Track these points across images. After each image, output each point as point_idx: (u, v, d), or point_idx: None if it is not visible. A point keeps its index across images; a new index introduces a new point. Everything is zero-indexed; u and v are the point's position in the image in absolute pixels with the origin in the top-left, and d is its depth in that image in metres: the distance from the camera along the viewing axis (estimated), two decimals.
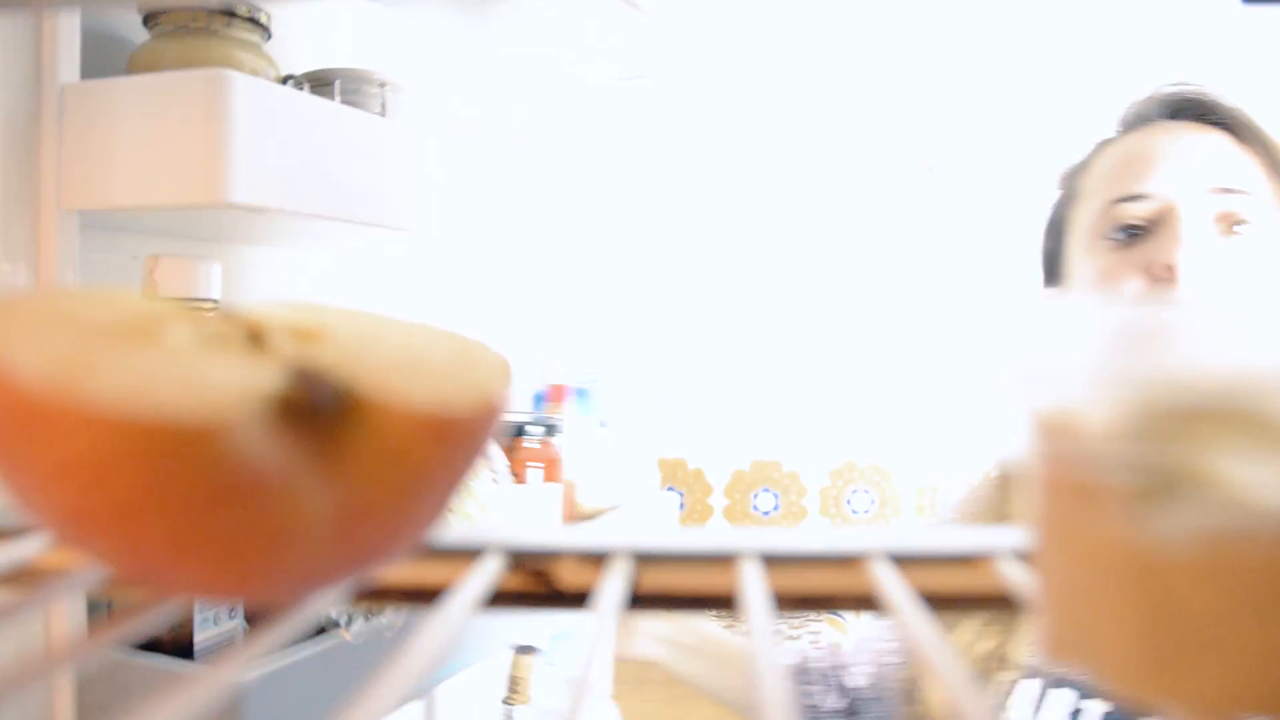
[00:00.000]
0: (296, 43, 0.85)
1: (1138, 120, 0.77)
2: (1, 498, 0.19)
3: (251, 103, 0.61)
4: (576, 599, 0.25)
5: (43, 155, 0.66)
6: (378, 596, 0.26)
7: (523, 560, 0.26)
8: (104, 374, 0.18)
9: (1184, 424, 0.15)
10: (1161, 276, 0.68)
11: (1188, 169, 0.71)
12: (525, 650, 1.12)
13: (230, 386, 0.18)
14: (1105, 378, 0.16)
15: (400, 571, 0.26)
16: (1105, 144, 0.78)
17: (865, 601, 0.25)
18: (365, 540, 0.20)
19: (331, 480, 0.19)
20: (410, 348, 0.23)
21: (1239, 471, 0.15)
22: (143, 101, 0.62)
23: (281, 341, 0.21)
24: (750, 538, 0.26)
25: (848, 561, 0.25)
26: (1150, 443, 0.16)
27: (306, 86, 0.80)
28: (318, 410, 0.19)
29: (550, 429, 1.07)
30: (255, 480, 0.18)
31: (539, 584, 0.26)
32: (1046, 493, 0.19)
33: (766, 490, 2.03)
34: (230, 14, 0.70)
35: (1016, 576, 0.24)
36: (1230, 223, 0.70)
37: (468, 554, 0.26)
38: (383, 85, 0.85)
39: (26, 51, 0.65)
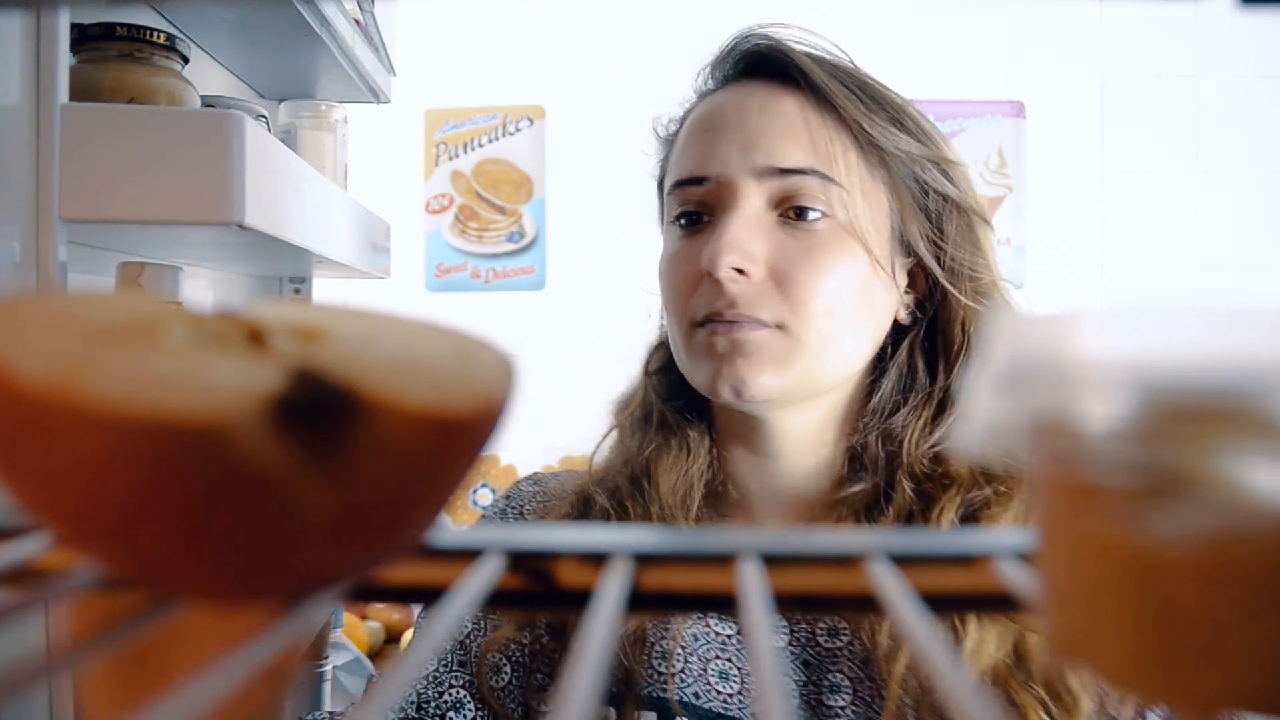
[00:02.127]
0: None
1: (715, 79, 0.70)
2: (1, 498, 0.19)
3: (252, 140, 0.71)
4: (576, 599, 0.25)
5: (40, 166, 0.67)
6: (377, 596, 0.26)
7: (523, 560, 0.26)
8: (104, 374, 0.18)
9: (1184, 424, 0.15)
10: (709, 276, 0.61)
11: (741, 147, 0.63)
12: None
13: (230, 386, 0.18)
14: (1104, 378, 0.16)
15: (400, 571, 0.26)
16: (691, 108, 0.70)
17: (865, 602, 0.25)
18: (365, 540, 0.20)
19: (331, 480, 0.19)
20: (410, 347, 0.23)
21: (1239, 471, 0.15)
22: (146, 129, 0.70)
23: (281, 341, 0.21)
24: (750, 538, 0.26)
25: (848, 561, 0.25)
26: (1150, 443, 0.16)
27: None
28: (318, 410, 0.19)
29: None
30: (255, 480, 0.18)
31: (539, 584, 0.26)
32: (1048, 494, 0.19)
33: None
34: (158, 44, 0.75)
35: (1016, 576, 0.24)
36: (788, 207, 0.62)
37: (468, 554, 0.26)
38: (261, 116, 0.96)
39: (28, 67, 0.67)
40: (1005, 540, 0.26)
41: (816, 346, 0.62)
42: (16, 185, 0.66)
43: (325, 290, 1.51)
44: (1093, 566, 0.17)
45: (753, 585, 0.23)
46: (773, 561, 0.25)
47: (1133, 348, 0.17)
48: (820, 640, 0.66)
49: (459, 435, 0.21)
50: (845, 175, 0.63)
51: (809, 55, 0.66)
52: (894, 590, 0.23)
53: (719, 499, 0.71)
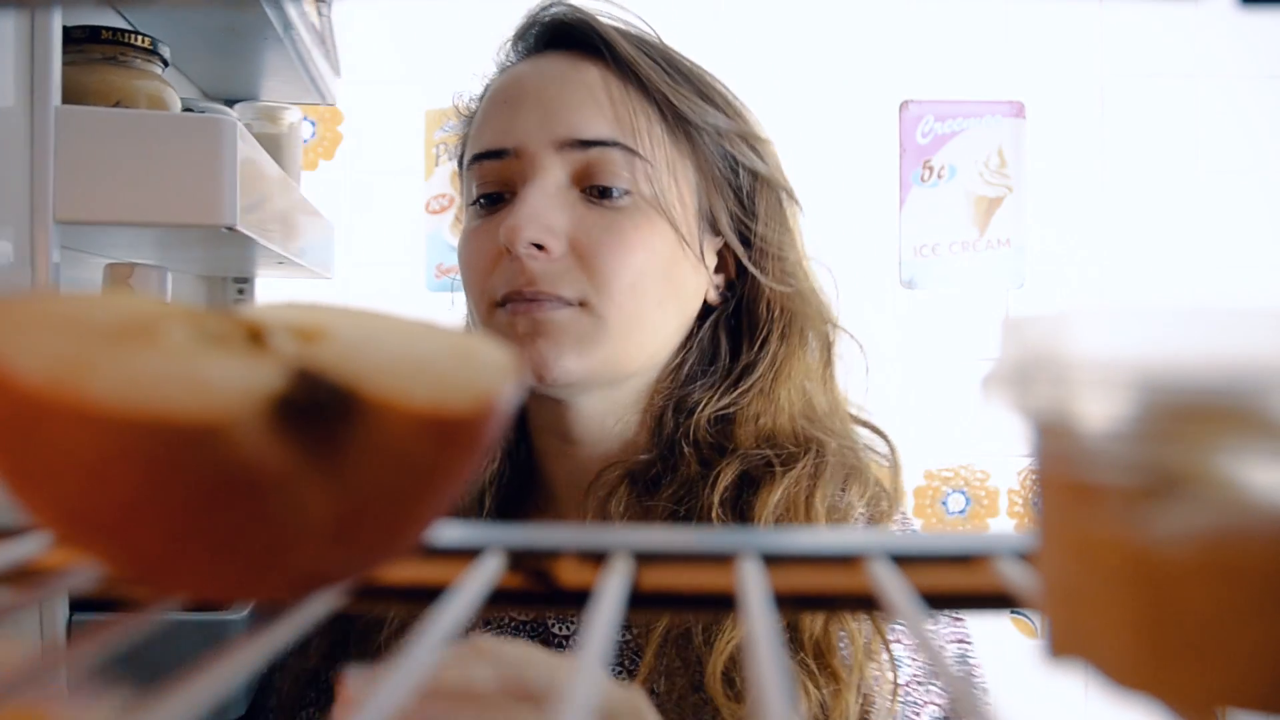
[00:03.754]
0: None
1: (517, 51, 0.67)
2: (2, 498, 0.19)
3: (245, 144, 0.72)
4: (576, 598, 0.25)
5: (35, 168, 0.68)
6: (378, 596, 0.26)
7: (523, 560, 0.26)
8: (104, 374, 0.18)
9: (1184, 424, 0.15)
10: (507, 253, 0.59)
11: (541, 118, 0.60)
12: None
13: (230, 386, 0.18)
14: (1104, 378, 0.16)
15: (400, 571, 0.26)
16: (492, 83, 0.67)
17: (865, 601, 0.25)
18: (365, 540, 0.20)
19: (331, 480, 0.19)
20: (410, 347, 0.23)
21: (1239, 471, 0.15)
22: (140, 132, 0.71)
23: (281, 341, 0.21)
24: (750, 537, 0.26)
25: (848, 561, 0.25)
26: (1150, 443, 0.16)
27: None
28: (318, 410, 0.19)
29: None
30: (255, 480, 0.18)
31: (539, 583, 0.26)
32: (1046, 493, 0.19)
33: None
34: (141, 47, 0.76)
35: (1016, 576, 0.24)
36: (587, 183, 0.60)
37: (468, 554, 0.26)
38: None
39: (22, 70, 0.67)
40: (1005, 540, 0.26)
41: (621, 326, 0.59)
42: (11, 187, 0.66)
43: (269, 290, 1.49)
44: (1092, 566, 0.17)
45: (753, 585, 0.23)
46: (773, 561, 0.25)
47: (1133, 348, 0.17)
48: (552, 629, 0.63)
49: (459, 435, 0.21)
50: (650, 149, 0.60)
51: (613, 27, 0.63)
52: (894, 590, 0.23)
53: (532, 495, 0.69)
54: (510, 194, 0.62)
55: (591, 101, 0.60)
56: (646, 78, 0.61)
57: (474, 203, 0.64)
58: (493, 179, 0.62)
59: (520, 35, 0.67)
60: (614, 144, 0.59)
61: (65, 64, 0.75)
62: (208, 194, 0.69)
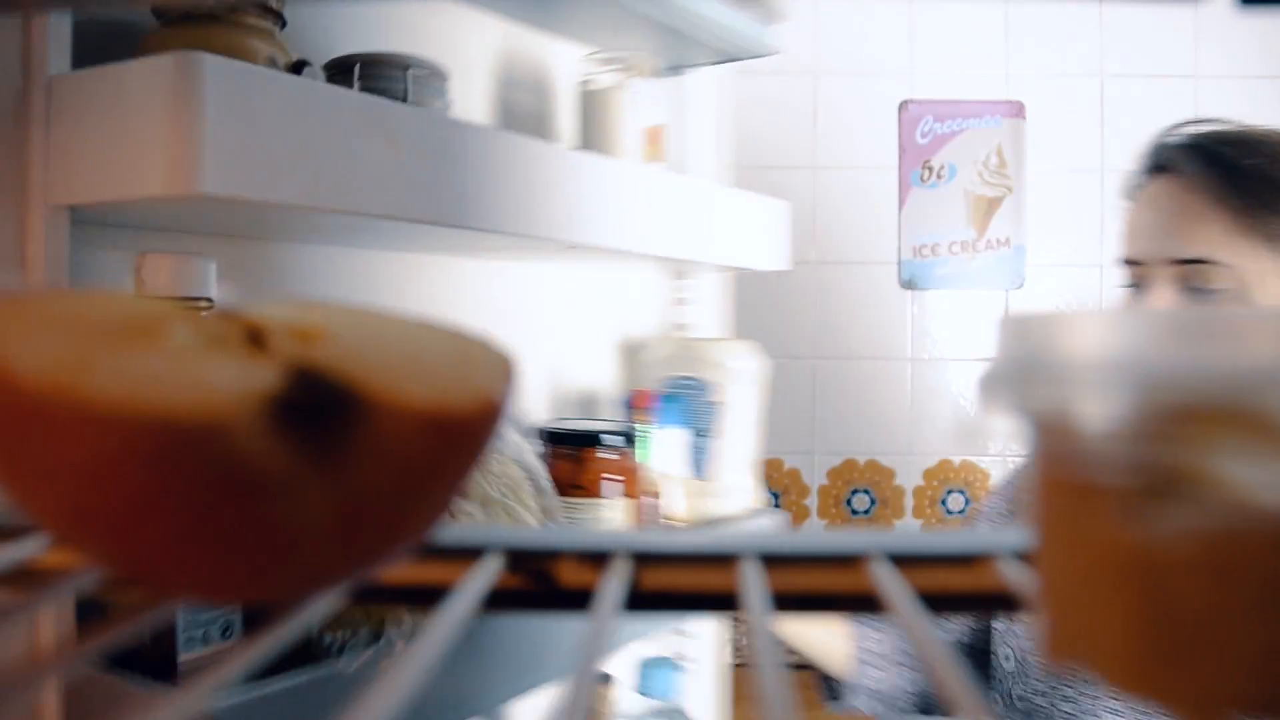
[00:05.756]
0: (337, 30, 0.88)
1: (1145, 170, 0.87)
2: (1, 498, 0.19)
3: (229, 88, 0.57)
4: (576, 599, 0.25)
5: (30, 148, 0.64)
6: (378, 596, 0.26)
7: (523, 560, 0.26)
8: (104, 374, 0.18)
9: (1184, 424, 0.15)
10: None
11: (1155, 243, 0.83)
12: (603, 680, 1.05)
13: (230, 386, 0.18)
14: (1104, 378, 0.16)
15: (400, 571, 0.26)
16: (1134, 190, 0.88)
17: (865, 602, 0.25)
18: (365, 540, 0.20)
19: (331, 480, 0.19)
20: (410, 347, 0.23)
21: (1239, 471, 0.15)
22: (126, 89, 0.60)
23: (281, 341, 0.21)
24: (750, 538, 0.26)
25: (848, 561, 0.25)
26: (1150, 443, 0.16)
27: (323, 74, 0.79)
28: (318, 410, 0.19)
29: (630, 438, 0.95)
30: (255, 480, 0.18)
31: (539, 584, 0.26)
32: (1046, 493, 0.19)
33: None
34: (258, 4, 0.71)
35: (1016, 576, 0.24)
36: (1191, 288, 0.80)
37: (468, 554, 0.26)
38: (407, 69, 0.81)
39: (12, 42, 0.65)
40: (1005, 540, 0.26)
41: None
42: (3, 166, 0.64)
43: None
44: (1092, 566, 0.17)
45: (753, 585, 0.23)
46: (773, 561, 0.25)
47: (1133, 348, 0.17)
48: None
49: (459, 435, 0.21)
50: (1237, 257, 0.78)
51: (1219, 149, 0.80)
52: (894, 590, 0.23)
53: None
54: (1139, 284, 0.84)
55: (1188, 226, 0.79)
56: (1239, 201, 0.78)
57: (1123, 285, 0.86)
58: (1131, 277, 0.85)
59: (1149, 154, 0.85)
60: (1205, 261, 0.78)
61: (163, 25, 0.70)
62: (175, 154, 0.57)
